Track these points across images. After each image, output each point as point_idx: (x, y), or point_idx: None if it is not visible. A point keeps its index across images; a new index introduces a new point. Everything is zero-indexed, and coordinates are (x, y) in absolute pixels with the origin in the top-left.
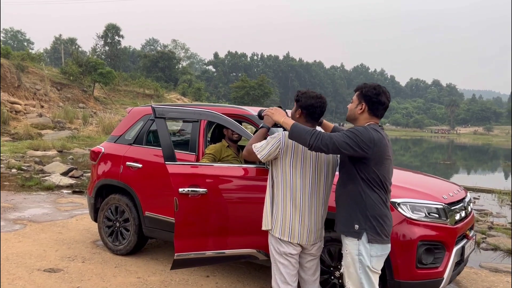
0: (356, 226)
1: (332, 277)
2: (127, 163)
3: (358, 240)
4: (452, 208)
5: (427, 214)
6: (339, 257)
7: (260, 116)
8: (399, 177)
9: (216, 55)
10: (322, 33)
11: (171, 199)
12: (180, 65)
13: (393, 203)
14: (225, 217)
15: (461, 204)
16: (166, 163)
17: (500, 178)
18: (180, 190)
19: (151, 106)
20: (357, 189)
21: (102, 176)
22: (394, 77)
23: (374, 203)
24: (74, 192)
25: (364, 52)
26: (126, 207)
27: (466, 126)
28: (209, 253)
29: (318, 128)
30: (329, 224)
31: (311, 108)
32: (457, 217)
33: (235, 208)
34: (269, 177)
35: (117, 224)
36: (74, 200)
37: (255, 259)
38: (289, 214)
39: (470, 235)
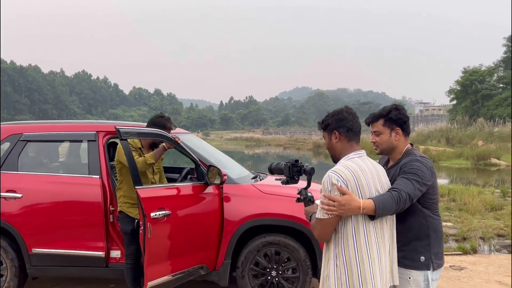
0: (422, 258)
1: (269, 277)
2: None
3: (426, 270)
4: None
5: None
6: (276, 259)
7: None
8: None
9: None
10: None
11: (66, 230)
12: None
13: None
14: (185, 236)
15: None
16: (136, 187)
17: None
18: (152, 214)
19: (115, 127)
20: (418, 221)
21: None
22: (118, 85)
23: (435, 229)
24: None
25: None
26: None
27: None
28: (174, 274)
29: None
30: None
31: (346, 123)
32: None
33: (192, 226)
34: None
35: None
36: None
37: (199, 274)
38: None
39: None
